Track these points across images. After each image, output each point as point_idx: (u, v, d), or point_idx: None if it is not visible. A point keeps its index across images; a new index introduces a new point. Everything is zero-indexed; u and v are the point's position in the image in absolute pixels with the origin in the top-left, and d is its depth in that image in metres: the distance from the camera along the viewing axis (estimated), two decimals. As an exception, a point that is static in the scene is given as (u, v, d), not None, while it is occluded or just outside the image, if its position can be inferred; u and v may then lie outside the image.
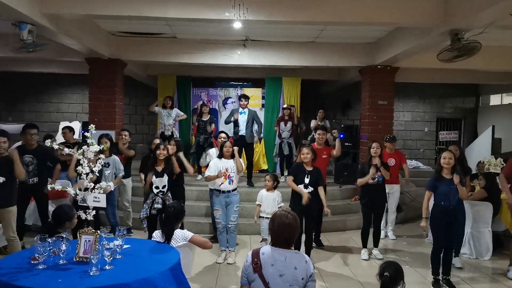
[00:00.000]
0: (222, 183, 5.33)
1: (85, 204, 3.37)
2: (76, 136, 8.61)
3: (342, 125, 10.53)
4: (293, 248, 2.60)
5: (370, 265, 5.47)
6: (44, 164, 5.48)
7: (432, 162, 12.37)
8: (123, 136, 6.47)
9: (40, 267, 2.82)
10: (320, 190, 5.14)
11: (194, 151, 8.50)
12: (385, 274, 2.64)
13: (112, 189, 5.61)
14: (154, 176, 5.01)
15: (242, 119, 7.62)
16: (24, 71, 10.13)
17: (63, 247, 2.92)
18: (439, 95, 12.69)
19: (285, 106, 8.95)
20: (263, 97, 10.08)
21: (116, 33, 7.63)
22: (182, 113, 8.88)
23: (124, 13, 5.35)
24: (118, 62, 7.94)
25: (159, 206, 4.91)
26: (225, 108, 10.12)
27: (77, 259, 2.98)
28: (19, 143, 5.70)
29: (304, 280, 2.47)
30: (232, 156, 5.42)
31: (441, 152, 4.76)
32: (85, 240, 3.00)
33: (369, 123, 8.12)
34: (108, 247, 2.90)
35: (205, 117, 8.38)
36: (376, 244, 5.75)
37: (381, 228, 6.09)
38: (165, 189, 5.04)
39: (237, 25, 6.01)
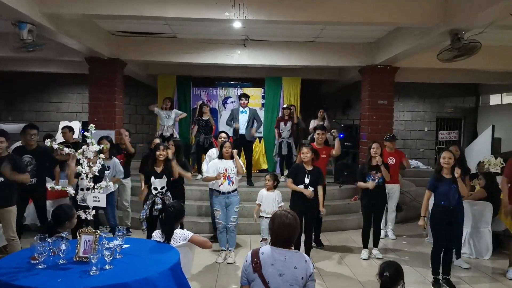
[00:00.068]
0: (221, 184, 5.32)
1: (84, 204, 3.37)
2: (76, 135, 8.61)
3: (342, 125, 10.53)
4: (293, 247, 2.60)
5: (370, 265, 5.47)
6: (43, 165, 5.47)
7: (432, 161, 12.37)
8: (125, 134, 6.45)
9: (40, 266, 2.82)
10: (319, 189, 5.12)
11: (194, 151, 8.51)
12: (385, 273, 2.64)
13: (113, 190, 5.59)
14: (153, 177, 4.99)
15: (243, 118, 7.60)
16: (24, 70, 10.12)
17: (63, 247, 2.92)
18: (439, 95, 12.68)
19: (285, 106, 8.95)
20: (263, 97, 10.08)
21: (116, 32, 7.63)
22: (181, 112, 8.87)
23: (124, 13, 5.35)
24: (118, 62, 7.94)
25: (160, 206, 4.89)
26: (225, 108, 10.12)
27: (77, 258, 2.98)
28: (19, 143, 5.70)
29: (304, 279, 2.47)
30: (232, 157, 5.41)
31: (441, 152, 4.75)
32: (85, 240, 3.00)
33: (369, 122, 8.12)
34: (108, 246, 2.89)
35: (206, 117, 8.39)
36: (376, 244, 5.75)
37: (381, 228, 6.09)
38: (163, 190, 5.03)
39: (237, 24, 6.01)
